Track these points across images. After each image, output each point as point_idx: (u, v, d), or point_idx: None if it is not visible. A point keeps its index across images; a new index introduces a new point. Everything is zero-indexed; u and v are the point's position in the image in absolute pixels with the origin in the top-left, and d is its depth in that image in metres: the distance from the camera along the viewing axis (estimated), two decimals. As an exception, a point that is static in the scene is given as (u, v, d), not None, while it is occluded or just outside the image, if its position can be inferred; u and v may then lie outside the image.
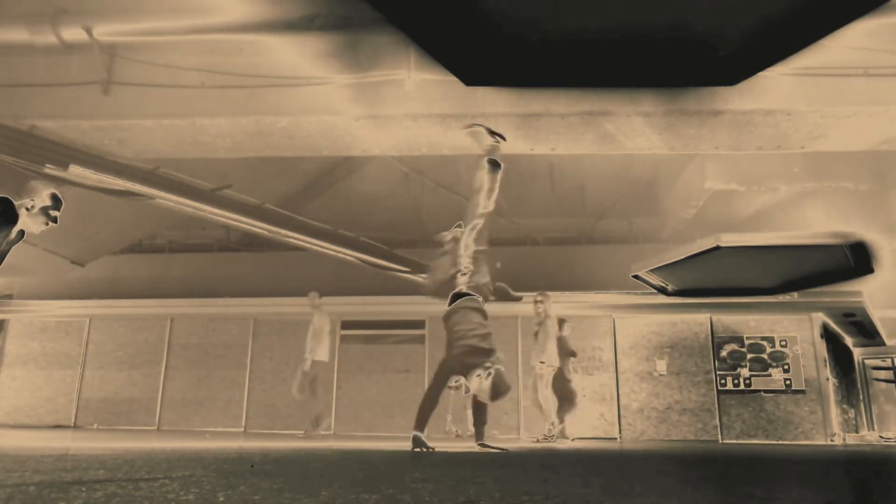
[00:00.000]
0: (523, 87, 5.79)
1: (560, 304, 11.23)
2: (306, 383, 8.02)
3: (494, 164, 5.27)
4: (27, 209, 3.55)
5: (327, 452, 4.09)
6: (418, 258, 10.80)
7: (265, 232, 9.01)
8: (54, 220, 3.66)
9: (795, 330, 11.04)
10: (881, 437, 13.58)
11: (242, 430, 11.48)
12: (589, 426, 11.03)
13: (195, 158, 7.00)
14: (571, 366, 8.68)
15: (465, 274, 5.12)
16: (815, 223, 8.89)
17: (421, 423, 4.70)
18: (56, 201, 3.66)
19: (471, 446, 5.36)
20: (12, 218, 3.49)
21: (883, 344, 14.55)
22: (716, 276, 9.44)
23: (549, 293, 8.03)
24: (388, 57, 5.97)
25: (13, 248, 3.65)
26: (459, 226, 5.42)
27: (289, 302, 11.85)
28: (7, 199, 3.48)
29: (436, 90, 5.93)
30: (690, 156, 8.93)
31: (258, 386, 11.89)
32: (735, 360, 11.08)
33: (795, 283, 9.83)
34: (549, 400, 7.52)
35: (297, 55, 6.05)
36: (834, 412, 10.76)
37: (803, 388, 10.78)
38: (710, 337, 11.25)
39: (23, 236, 3.63)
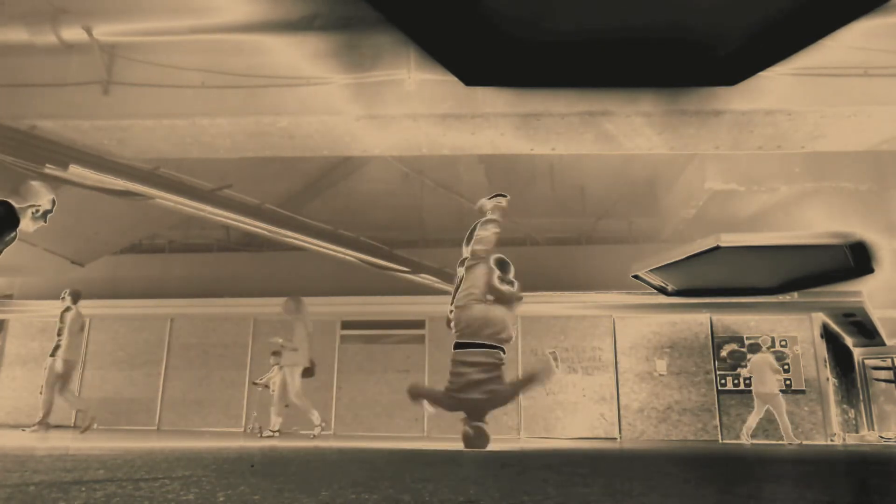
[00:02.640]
0: (523, 87, 5.78)
1: (560, 304, 11.26)
2: (60, 381, 7.89)
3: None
4: (33, 213, 3.63)
5: (327, 452, 4.09)
6: (418, 258, 10.80)
7: (265, 232, 9.01)
8: (47, 220, 3.76)
9: (795, 330, 11.04)
10: (881, 437, 13.58)
11: (242, 430, 11.47)
12: (589, 426, 11.04)
13: (195, 158, 7.00)
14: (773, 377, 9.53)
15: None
16: (815, 223, 8.90)
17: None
18: (54, 205, 3.78)
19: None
20: (15, 222, 3.53)
21: (883, 344, 14.55)
22: (716, 276, 9.44)
23: (304, 298, 8.20)
24: (388, 57, 5.97)
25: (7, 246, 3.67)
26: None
27: (289, 302, 11.84)
28: (9, 203, 3.51)
29: (436, 90, 5.93)
30: (690, 156, 8.93)
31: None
32: (735, 360, 11.09)
33: (795, 283, 9.83)
34: (301, 395, 7.74)
35: (297, 55, 6.05)
36: (834, 412, 10.77)
37: (803, 388, 10.79)
38: (710, 337, 11.25)
39: (17, 236, 3.67)
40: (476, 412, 5.18)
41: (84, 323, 8.06)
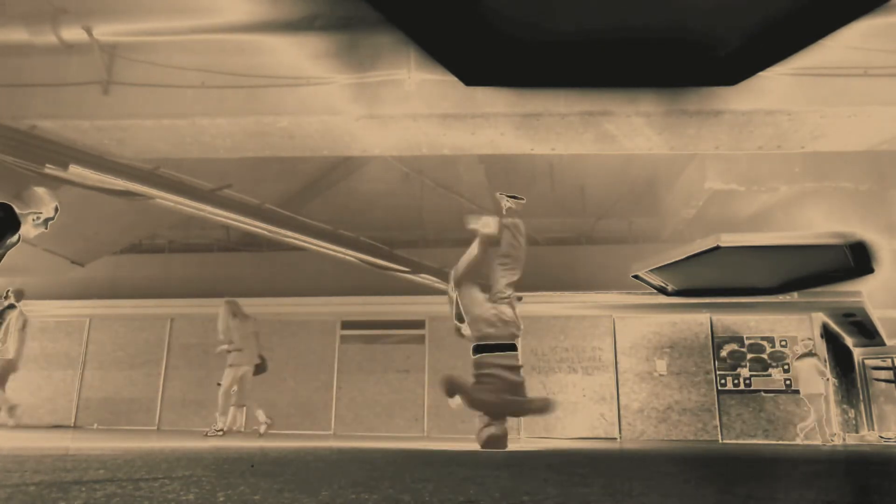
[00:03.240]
0: (523, 87, 5.78)
1: (560, 304, 11.26)
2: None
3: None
4: (34, 220, 3.63)
5: (327, 452, 4.09)
6: (418, 258, 10.80)
7: (265, 232, 9.01)
8: (48, 227, 3.77)
9: (795, 330, 11.04)
10: (881, 437, 13.58)
11: (242, 430, 11.47)
12: (589, 426, 11.04)
13: (195, 158, 6.99)
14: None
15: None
16: (815, 223, 8.89)
17: None
18: (57, 212, 3.78)
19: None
20: (15, 225, 3.53)
21: (883, 344, 14.56)
22: (716, 276, 9.44)
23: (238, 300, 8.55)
24: (389, 57, 5.96)
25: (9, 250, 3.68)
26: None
27: (289, 302, 11.86)
28: (9, 206, 3.51)
29: (436, 90, 5.92)
30: (690, 156, 8.92)
31: (258, 386, 11.86)
32: (735, 360, 11.09)
33: (795, 283, 9.83)
34: (227, 395, 7.98)
35: (298, 55, 6.04)
36: (834, 412, 10.77)
37: (803, 388, 10.78)
38: (710, 337, 11.25)
39: (19, 240, 3.67)
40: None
41: (26, 321, 8.20)
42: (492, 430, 5.13)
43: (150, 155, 6.89)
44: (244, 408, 8.54)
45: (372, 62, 5.97)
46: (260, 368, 8.28)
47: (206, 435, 7.73)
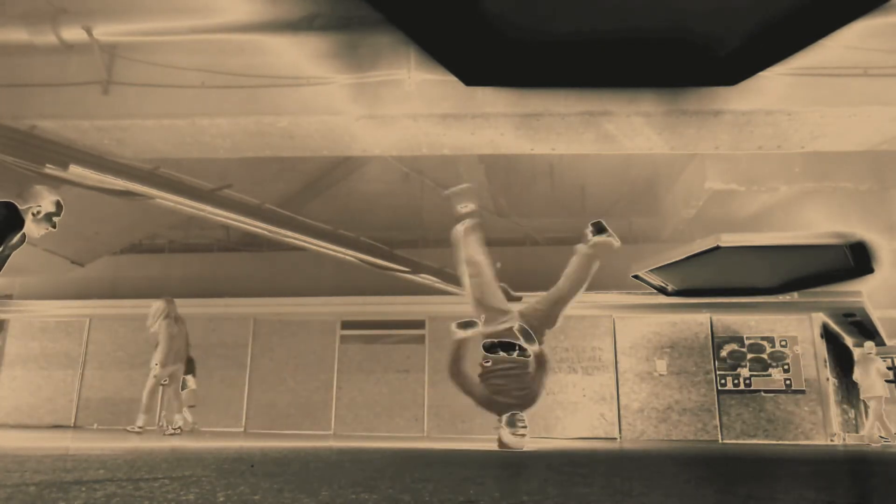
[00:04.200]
0: (524, 87, 5.78)
1: (560, 304, 11.24)
2: None
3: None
4: (34, 214, 3.61)
5: (327, 452, 4.09)
6: (418, 258, 10.81)
7: (265, 232, 9.01)
8: (54, 225, 3.74)
9: (795, 330, 11.04)
10: (881, 437, 13.57)
11: (242, 430, 11.48)
12: (589, 426, 11.04)
13: (195, 158, 6.99)
14: None
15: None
16: (815, 223, 8.89)
17: None
18: (59, 208, 3.76)
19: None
20: (18, 223, 3.53)
21: (883, 344, 14.55)
22: (716, 276, 9.44)
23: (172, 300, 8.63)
24: (389, 57, 5.96)
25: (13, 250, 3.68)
26: None
27: (289, 302, 11.87)
28: (12, 203, 3.51)
29: (436, 90, 5.92)
30: (690, 156, 8.92)
31: (258, 386, 11.89)
32: (735, 360, 11.09)
33: (795, 283, 9.83)
34: (150, 395, 8.18)
35: (298, 55, 6.04)
36: (834, 412, 10.77)
37: (803, 388, 10.79)
38: (710, 337, 11.25)
39: (24, 239, 3.67)
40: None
41: None
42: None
43: (150, 155, 6.89)
44: (191, 407, 8.68)
45: (372, 62, 5.97)
46: (187, 369, 8.39)
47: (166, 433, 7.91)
